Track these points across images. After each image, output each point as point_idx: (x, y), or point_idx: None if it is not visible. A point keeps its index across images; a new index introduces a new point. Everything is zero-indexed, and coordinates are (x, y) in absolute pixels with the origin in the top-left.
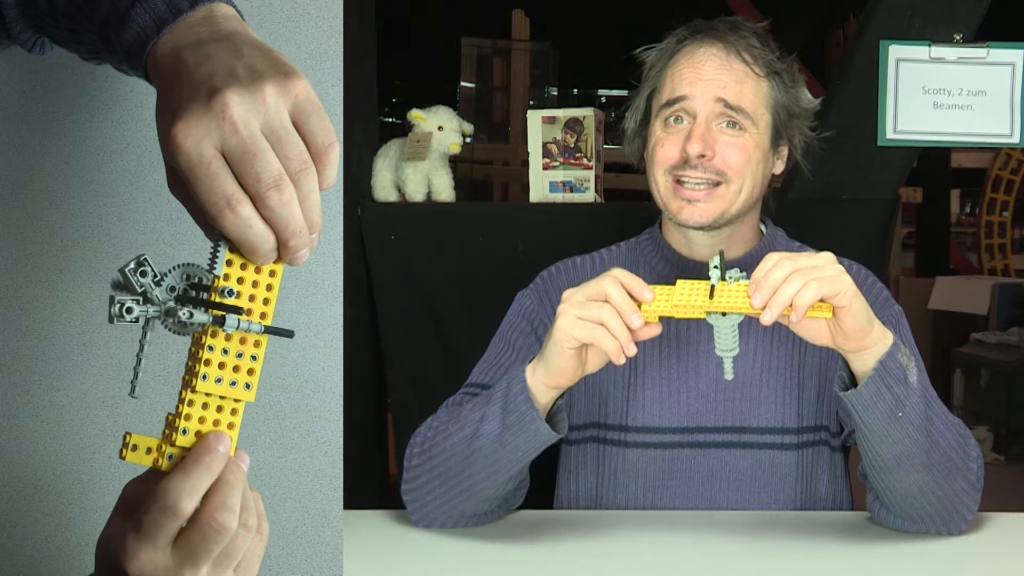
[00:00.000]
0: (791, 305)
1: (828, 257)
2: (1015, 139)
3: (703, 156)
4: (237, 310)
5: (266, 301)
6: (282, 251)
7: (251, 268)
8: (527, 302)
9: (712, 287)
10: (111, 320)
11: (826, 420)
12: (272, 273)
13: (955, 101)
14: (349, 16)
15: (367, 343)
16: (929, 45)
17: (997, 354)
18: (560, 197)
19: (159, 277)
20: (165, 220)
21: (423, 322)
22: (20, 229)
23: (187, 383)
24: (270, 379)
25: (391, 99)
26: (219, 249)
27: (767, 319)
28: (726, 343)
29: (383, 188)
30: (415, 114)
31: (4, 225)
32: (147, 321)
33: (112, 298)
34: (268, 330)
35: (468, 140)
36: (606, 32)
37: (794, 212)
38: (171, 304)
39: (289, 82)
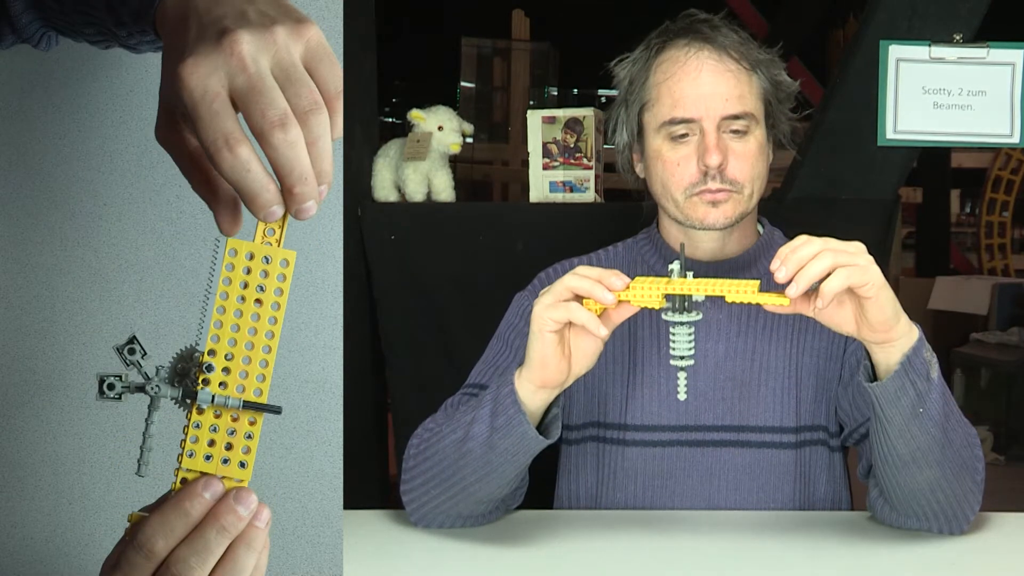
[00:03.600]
0: (812, 291)
1: (860, 247)
2: (1015, 139)
3: (720, 165)
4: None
5: (262, 377)
6: (287, 199)
7: (243, 332)
8: (525, 303)
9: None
10: (97, 398)
11: (824, 420)
12: (270, 335)
13: (955, 101)
14: (349, 16)
15: (367, 343)
16: (929, 45)
17: (997, 354)
18: (560, 197)
19: (146, 354)
20: (165, 220)
21: (423, 322)
22: (20, 229)
23: (179, 458)
24: (271, 379)
25: (391, 99)
26: (206, 313)
27: (793, 292)
28: (681, 347)
29: (383, 188)
30: (415, 114)
31: (4, 225)
32: (151, 400)
33: (99, 376)
34: (247, 405)
35: (468, 140)
36: (606, 32)
37: (794, 212)
38: (151, 381)
39: (301, 27)
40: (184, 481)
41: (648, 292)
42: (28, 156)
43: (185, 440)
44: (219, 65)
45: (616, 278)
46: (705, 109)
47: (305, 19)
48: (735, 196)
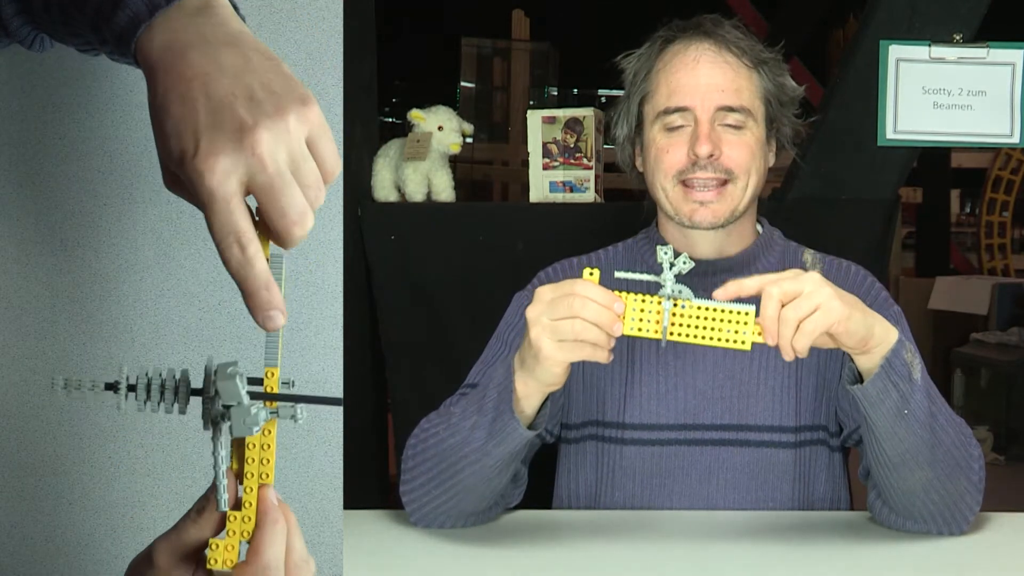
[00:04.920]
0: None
1: (814, 280)
2: (1015, 139)
3: (712, 155)
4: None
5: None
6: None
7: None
8: (524, 303)
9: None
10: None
11: (824, 420)
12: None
13: (955, 101)
14: (349, 16)
15: (367, 343)
16: (929, 45)
17: (997, 354)
18: (560, 197)
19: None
20: (165, 220)
21: (423, 322)
22: (20, 229)
23: (258, 476)
24: None
25: (391, 99)
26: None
27: (788, 358)
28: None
29: (383, 188)
30: (415, 114)
31: (4, 225)
32: (217, 431)
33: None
34: (313, 399)
35: (468, 140)
36: (606, 32)
37: (794, 212)
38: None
39: (307, 109)
40: (251, 490)
41: (647, 325)
42: (28, 156)
43: (269, 457)
44: (239, 163)
45: (619, 303)
46: (700, 99)
47: (309, 97)
48: (727, 189)
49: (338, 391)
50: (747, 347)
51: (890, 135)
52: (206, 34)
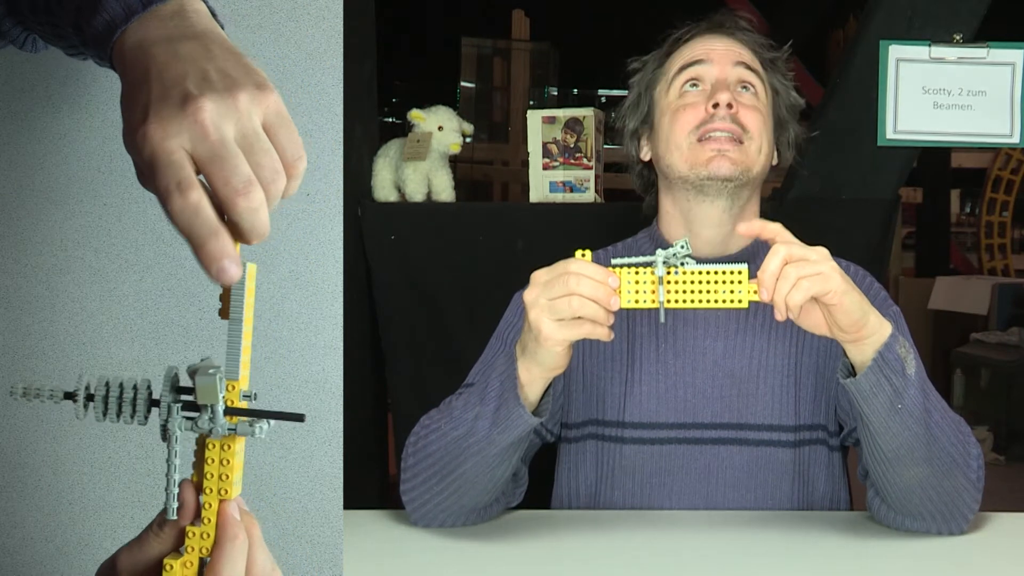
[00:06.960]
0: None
1: (822, 252)
2: (1015, 139)
3: (730, 107)
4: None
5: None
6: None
7: (248, 353)
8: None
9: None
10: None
11: (824, 419)
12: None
13: (955, 101)
14: (349, 16)
15: (367, 343)
16: (929, 45)
17: (997, 354)
18: (560, 197)
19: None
20: (165, 220)
21: (423, 322)
22: (20, 229)
23: (217, 492)
24: (270, 379)
25: (391, 99)
26: (238, 344)
27: (780, 317)
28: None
29: (383, 188)
30: (415, 114)
31: (4, 225)
32: (169, 436)
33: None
34: (275, 415)
35: (468, 140)
36: (606, 32)
37: (794, 212)
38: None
39: (262, 93)
40: (209, 506)
41: (643, 296)
42: (28, 156)
43: (231, 471)
44: (182, 130)
45: (613, 278)
46: (719, 55)
47: (266, 83)
48: (743, 145)
49: (338, 391)
50: (744, 305)
51: (890, 135)
52: (172, 32)
